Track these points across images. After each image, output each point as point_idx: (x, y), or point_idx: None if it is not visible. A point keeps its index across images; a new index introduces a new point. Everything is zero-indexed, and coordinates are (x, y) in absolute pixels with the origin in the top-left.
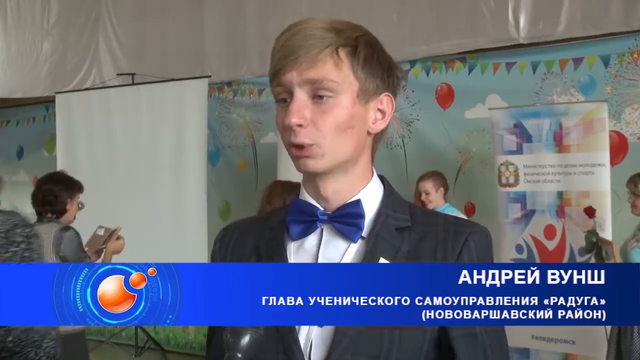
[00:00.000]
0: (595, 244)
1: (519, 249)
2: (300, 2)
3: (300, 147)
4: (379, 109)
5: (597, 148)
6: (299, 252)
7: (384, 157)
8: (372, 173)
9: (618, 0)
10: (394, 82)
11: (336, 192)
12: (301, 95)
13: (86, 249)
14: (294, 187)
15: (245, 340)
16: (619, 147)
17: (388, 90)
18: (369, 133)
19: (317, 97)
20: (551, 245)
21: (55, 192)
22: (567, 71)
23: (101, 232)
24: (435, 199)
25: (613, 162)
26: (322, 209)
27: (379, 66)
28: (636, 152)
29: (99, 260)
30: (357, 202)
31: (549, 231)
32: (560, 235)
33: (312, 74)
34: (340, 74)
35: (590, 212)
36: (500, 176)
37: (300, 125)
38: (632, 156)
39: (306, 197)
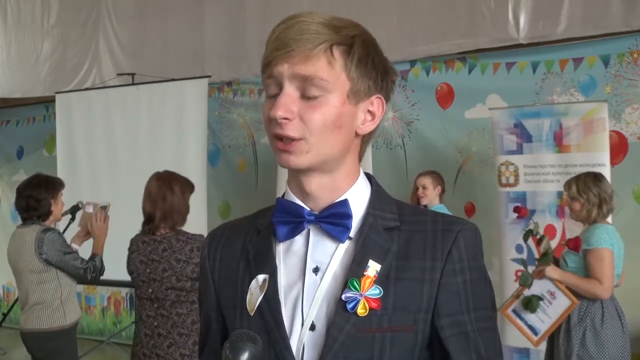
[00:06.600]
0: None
1: (518, 249)
2: (300, 2)
3: (285, 141)
4: (369, 111)
5: (597, 148)
6: (287, 254)
7: (384, 157)
8: (359, 173)
9: (618, 0)
10: (387, 86)
11: (320, 188)
12: (290, 90)
13: (79, 228)
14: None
15: (245, 356)
16: (619, 147)
17: (380, 92)
18: (357, 134)
19: (306, 94)
20: (551, 245)
21: (37, 197)
22: (567, 71)
23: (90, 209)
24: (431, 196)
25: (613, 162)
26: (308, 209)
27: (372, 68)
28: (636, 152)
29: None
30: (344, 202)
31: (549, 231)
32: (560, 235)
33: (304, 70)
34: (332, 73)
35: (520, 211)
36: (500, 176)
37: (286, 119)
38: (632, 156)
39: (291, 197)
